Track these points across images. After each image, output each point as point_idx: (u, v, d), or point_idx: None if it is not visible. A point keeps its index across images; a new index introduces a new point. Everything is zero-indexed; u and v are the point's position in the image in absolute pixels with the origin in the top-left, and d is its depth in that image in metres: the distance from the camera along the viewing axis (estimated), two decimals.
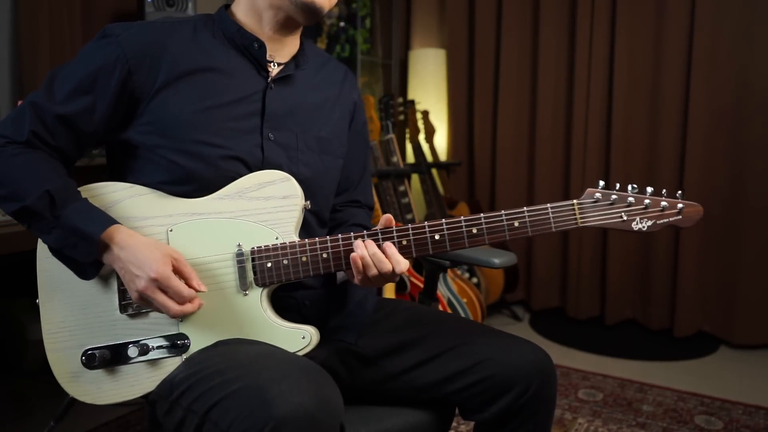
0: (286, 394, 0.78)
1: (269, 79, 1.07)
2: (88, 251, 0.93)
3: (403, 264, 0.96)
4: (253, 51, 1.06)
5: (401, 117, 3.18)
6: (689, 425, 2.09)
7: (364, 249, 0.95)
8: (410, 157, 3.26)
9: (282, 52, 1.10)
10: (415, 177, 3.40)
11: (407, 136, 3.26)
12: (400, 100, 3.22)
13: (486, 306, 2.87)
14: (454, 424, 1.96)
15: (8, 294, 2.15)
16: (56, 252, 0.96)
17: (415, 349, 1.08)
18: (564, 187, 3.27)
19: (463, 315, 2.47)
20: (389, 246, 0.96)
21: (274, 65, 1.09)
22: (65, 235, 0.93)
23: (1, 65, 2.05)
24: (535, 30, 3.26)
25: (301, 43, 1.14)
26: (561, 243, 3.31)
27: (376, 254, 0.95)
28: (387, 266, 0.95)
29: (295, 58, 1.12)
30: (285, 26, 1.07)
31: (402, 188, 2.76)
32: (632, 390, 2.37)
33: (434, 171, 3.31)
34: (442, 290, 2.49)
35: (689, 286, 2.92)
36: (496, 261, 1.27)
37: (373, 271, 0.95)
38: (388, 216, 0.99)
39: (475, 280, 3.00)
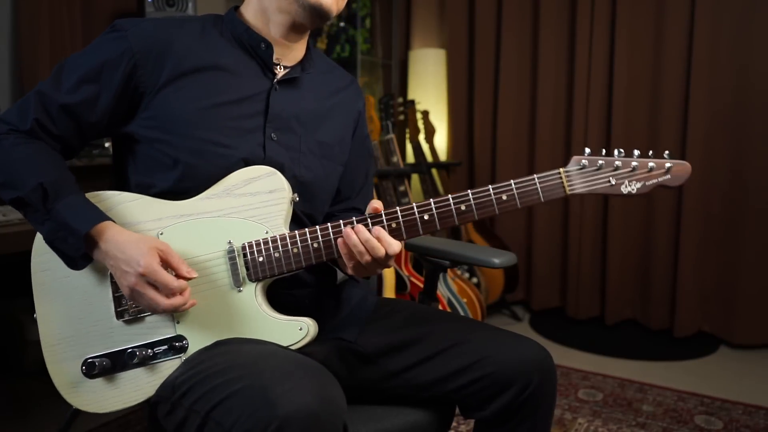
0: (289, 393, 0.78)
1: (275, 80, 1.08)
2: (77, 246, 0.93)
3: (395, 245, 0.95)
4: (260, 51, 1.07)
5: (401, 117, 3.18)
6: (689, 425, 2.09)
7: (354, 236, 0.95)
8: (410, 157, 3.26)
9: (289, 56, 1.11)
10: (415, 177, 3.40)
11: (407, 136, 3.26)
12: (400, 100, 3.22)
13: (486, 306, 2.87)
14: (453, 423, 1.96)
15: (8, 294, 2.15)
16: (49, 243, 0.96)
17: (415, 347, 1.08)
18: None
19: (463, 315, 2.47)
20: (379, 230, 0.96)
21: (281, 68, 1.10)
22: (57, 228, 0.94)
23: (1, 65, 2.05)
24: (535, 30, 3.26)
25: (308, 49, 1.15)
26: (561, 243, 3.31)
27: (369, 240, 0.95)
28: (380, 251, 0.95)
29: (301, 62, 1.13)
30: (292, 30, 1.07)
31: (402, 188, 2.76)
32: (632, 390, 2.37)
33: (434, 171, 3.31)
34: (442, 290, 2.49)
35: (689, 286, 2.92)
36: (496, 261, 1.27)
37: (367, 257, 0.95)
38: (377, 202, 0.99)
39: (475, 280, 3.00)
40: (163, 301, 0.90)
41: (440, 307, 2.37)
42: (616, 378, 2.48)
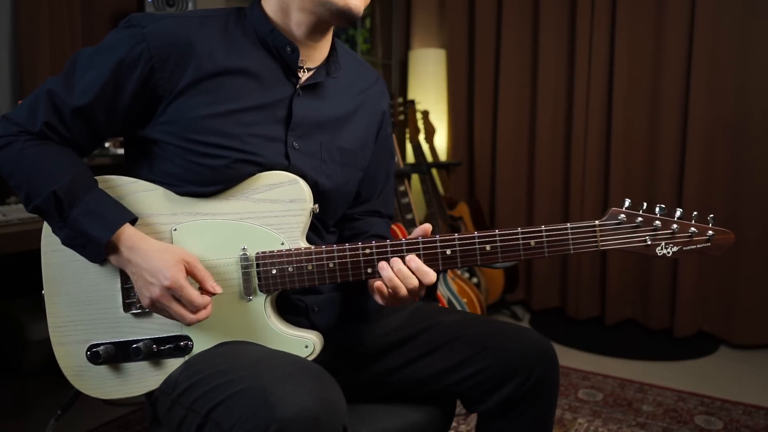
0: (289, 395, 0.77)
1: (297, 86, 1.02)
2: (96, 253, 0.92)
3: (431, 275, 0.93)
4: (285, 55, 1.00)
5: (401, 117, 3.17)
6: (689, 425, 2.09)
7: (389, 271, 0.92)
8: (410, 157, 3.26)
9: (313, 56, 1.04)
10: (415, 177, 3.40)
11: (407, 136, 3.26)
12: (400, 100, 3.22)
13: (486, 306, 2.87)
14: (453, 423, 1.96)
15: (8, 294, 2.15)
16: (67, 246, 0.95)
17: (416, 342, 1.08)
18: (564, 188, 3.27)
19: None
20: (413, 259, 0.93)
21: (304, 70, 1.03)
22: (74, 236, 0.92)
23: (1, 65, 2.05)
24: (535, 30, 3.26)
25: (333, 46, 1.08)
26: None
27: (401, 270, 0.92)
28: (413, 281, 0.92)
29: (326, 63, 1.06)
30: (316, 30, 1.01)
31: (402, 188, 2.76)
32: (632, 390, 2.37)
33: (434, 171, 3.31)
34: (442, 290, 2.49)
35: (689, 286, 2.92)
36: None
37: (402, 292, 0.92)
38: (426, 226, 0.96)
39: (475, 280, 3.00)
40: (189, 316, 0.89)
41: None
42: (616, 378, 2.48)
